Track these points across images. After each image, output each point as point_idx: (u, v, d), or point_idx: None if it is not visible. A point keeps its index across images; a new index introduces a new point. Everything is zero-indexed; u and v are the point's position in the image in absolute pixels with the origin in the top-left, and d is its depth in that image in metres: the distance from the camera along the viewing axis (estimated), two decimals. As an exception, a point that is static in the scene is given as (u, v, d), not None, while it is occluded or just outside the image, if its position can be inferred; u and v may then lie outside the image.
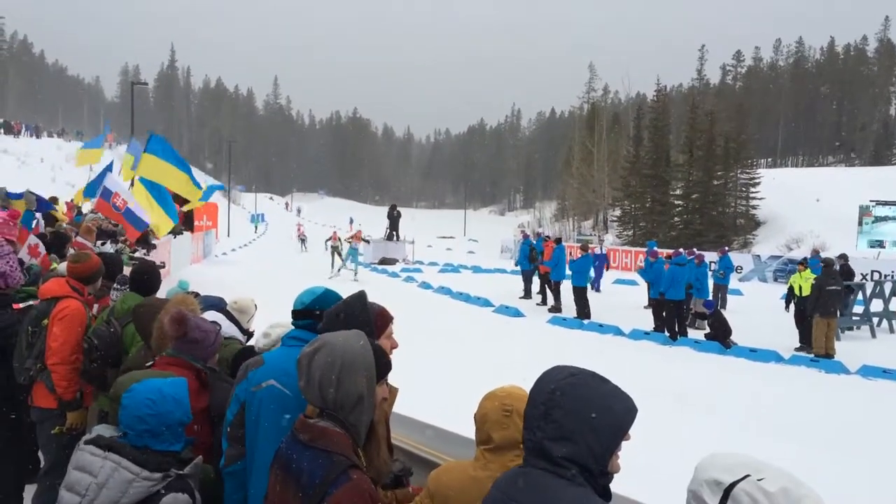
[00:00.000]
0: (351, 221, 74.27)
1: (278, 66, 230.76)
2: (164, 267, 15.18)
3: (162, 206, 13.10)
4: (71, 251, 6.36)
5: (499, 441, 2.11)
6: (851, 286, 15.25)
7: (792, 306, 14.00)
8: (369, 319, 2.49)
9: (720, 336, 13.07)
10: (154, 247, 15.57)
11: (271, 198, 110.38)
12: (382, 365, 2.04)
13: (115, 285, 4.78)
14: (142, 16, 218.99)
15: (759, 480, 1.39)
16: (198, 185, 15.64)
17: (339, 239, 27.80)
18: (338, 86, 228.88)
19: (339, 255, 25.55)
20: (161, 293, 4.52)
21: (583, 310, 16.20)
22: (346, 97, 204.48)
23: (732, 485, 1.40)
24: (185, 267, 22.35)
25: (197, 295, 4.23)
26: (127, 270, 5.11)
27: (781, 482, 1.38)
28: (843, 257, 16.76)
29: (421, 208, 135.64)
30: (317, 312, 2.63)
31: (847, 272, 16.01)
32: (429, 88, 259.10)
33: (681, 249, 17.47)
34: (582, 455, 1.49)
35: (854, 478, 6.28)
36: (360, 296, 2.55)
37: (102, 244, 9.64)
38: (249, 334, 4.06)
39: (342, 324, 2.28)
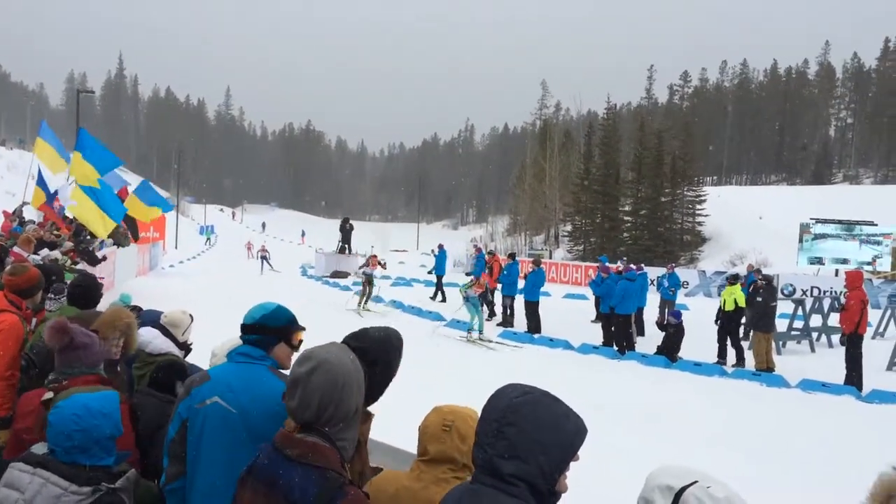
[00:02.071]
0: (303, 234, 73.68)
1: (231, 76, 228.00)
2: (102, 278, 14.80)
3: (102, 207, 12.97)
4: (9, 263, 6.17)
5: (433, 454, 2.12)
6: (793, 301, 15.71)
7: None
8: (392, 366, 2.41)
9: (668, 350, 13.32)
10: (99, 259, 15.23)
11: (221, 209, 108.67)
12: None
13: (49, 295, 4.63)
14: (89, 22, 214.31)
15: (707, 487, 1.46)
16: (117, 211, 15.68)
17: (380, 264, 22.06)
18: (291, 98, 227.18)
19: (371, 285, 20.40)
20: (103, 306, 4.42)
21: (534, 324, 16.35)
22: (299, 109, 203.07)
23: (683, 489, 1.46)
24: (130, 279, 21.85)
25: (138, 309, 4.16)
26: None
27: (727, 492, 1.46)
28: (758, 272, 16.99)
29: (374, 221, 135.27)
30: (268, 328, 2.60)
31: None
32: (383, 102, 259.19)
33: (631, 265, 17.76)
34: (531, 474, 1.52)
35: (792, 487, 6.45)
36: (401, 341, 2.47)
37: (43, 257, 9.36)
38: (187, 348, 4.00)
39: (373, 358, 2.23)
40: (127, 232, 20.97)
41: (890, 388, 10.68)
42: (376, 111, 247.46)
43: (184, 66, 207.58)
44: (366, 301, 19.62)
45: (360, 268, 20.41)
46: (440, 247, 24.88)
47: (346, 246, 33.75)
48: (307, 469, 1.82)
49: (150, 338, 3.71)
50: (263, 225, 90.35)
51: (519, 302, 17.80)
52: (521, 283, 17.79)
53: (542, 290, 17.44)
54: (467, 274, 18.37)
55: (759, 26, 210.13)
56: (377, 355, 2.27)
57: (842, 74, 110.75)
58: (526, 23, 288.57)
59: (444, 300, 22.21)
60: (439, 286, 23.14)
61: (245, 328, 2.60)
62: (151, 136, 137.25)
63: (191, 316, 4.06)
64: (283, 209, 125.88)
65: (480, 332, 15.22)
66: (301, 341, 2.59)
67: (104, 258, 15.87)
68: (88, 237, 16.06)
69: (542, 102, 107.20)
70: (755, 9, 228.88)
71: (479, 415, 1.66)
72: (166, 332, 3.84)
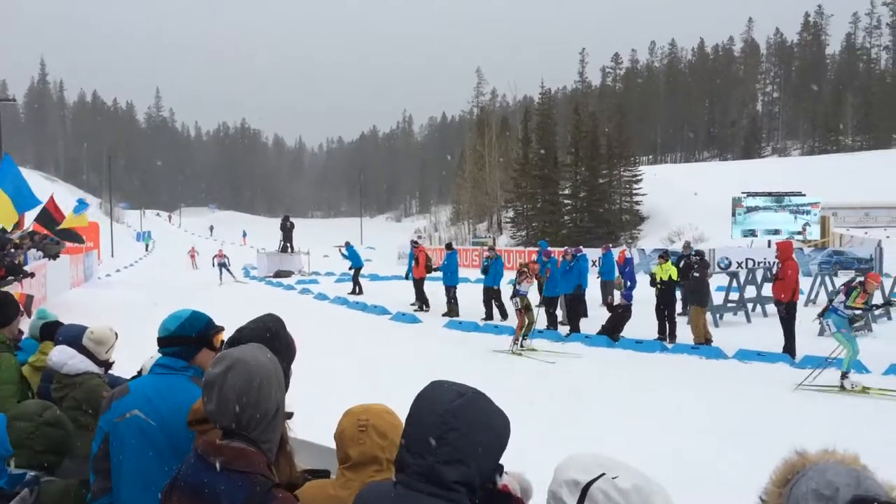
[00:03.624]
0: (244, 235, 72.50)
1: (159, 77, 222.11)
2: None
3: (13, 197, 13.43)
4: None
5: (356, 458, 2.08)
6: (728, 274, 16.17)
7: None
8: (290, 348, 2.42)
9: (612, 330, 13.57)
10: (28, 274, 14.73)
11: (158, 214, 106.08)
12: (287, 375, 2.02)
13: None
14: (6, 28, 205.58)
15: (613, 478, 1.43)
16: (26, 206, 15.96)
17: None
18: (224, 96, 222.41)
19: (529, 310, 13.53)
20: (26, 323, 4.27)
21: (500, 310, 16.67)
22: (233, 108, 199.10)
23: (589, 483, 1.44)
24: (64, 292, 21.16)
25: (57, 325, 4.03)
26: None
27: (634, 479, 1.43)
28: (687, 247, 17.38)
29: (316, 218, 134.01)
30: (187, 337, 2.55)
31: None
32: (319, 96, 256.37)
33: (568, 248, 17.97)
34: (472, 476, 1.52)
35: (733, 460, 6.65)
36: (281, 321, 2.46)
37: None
38: (108, 365, 3.89)
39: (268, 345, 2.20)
40: (57, 244, 20.31)
41: (822, 354, 11.08)
42: (312, 106, 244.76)
43: (110, 68, 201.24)
44: (524, 334, 13.12)
45: (515, 291, 13.46)
46: (347, 244, 25.35)
47: (289, 244, 33.38)
48: (233, 475, 1.77)
49: (64, 359, 3.59)
50: (211, 228, 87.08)
51: (468, 289, 17.86)
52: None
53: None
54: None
55: (685, 4, 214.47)
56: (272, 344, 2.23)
57: (766, 50, 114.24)
58: (458, 11, 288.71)
59: (360, 292, 22.97)
60: (356, 279, 23.85)
61: (162, 341, 2.55)
62: (80, 142, 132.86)
63: (116, 333, 3.96)
64: (222, 210, 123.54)
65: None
66: (223, 342, 2.53)
67: (32, 274, 15.33)
68: (13, 250, 15.50)
69: (478, 90, 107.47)
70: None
71: (409, 418, 1.61)
72: (84, 350, 3.72)
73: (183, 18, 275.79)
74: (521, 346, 12.87)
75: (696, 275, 13.52)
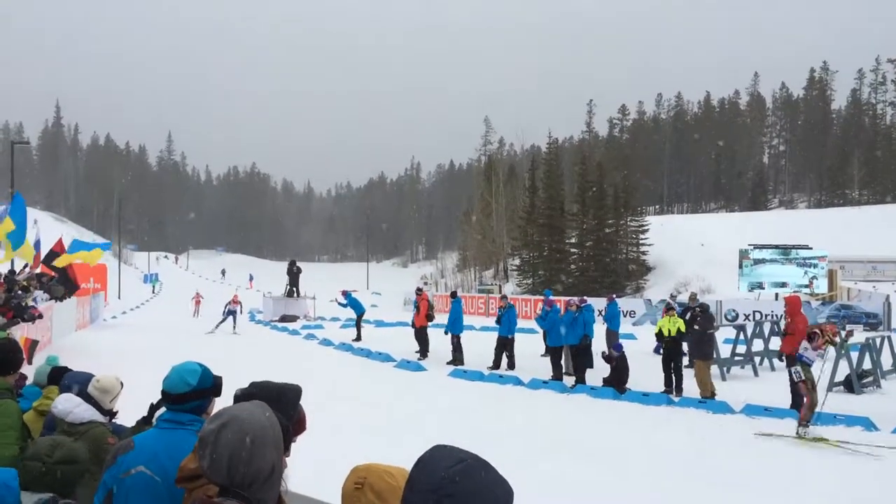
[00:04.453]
0: (251, 278, 72.63)
1: (172, 121, 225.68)
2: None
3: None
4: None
5: None
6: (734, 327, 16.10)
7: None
8: (300, 421, 2.41)
9: (616, 381, 13.47)
10: (39, 316, 14.80)
11: (165, 256, 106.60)
12: (287, 434, 2.00)
13: None
14: (23, 72, 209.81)
15: None
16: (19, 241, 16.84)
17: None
18: (235, 141, 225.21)
19: None
20: (39, 361, 4.28)
21: (501, 361, 16.55)
22: (244, 152, 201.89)
23: None
24: (69, 334, 21.21)
25: (64, 371, 4.04)
26: None
27: None
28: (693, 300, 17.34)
29: (323, 262, 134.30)
30: (206, 390, 2.55)
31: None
32: (329, 142, 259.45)
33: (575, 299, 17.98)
34: None
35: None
36: (298, 391, 2.46)
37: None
38: (113, 414, 3.90)
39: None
40: (61, 284, 20.35)
41: (830, 410, 10.96)
42: (321, 151, 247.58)
43: (124, 113, 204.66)
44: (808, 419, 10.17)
45: (798, 358, 10.42)
46: (344, 293, 25.44)
47: (294, 289, 33.44)
48: None
49: (69, 407, 3.59)
50: (223, 272, 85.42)
51: (473, 337, 17.79)
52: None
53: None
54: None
55: (691, 59, 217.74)
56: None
57: (772, 104, 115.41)
58: (467, 59, 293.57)
59: (359, 339, 22.89)
60: (358, 325, 23.99)
61: (180, 398, 2.54)
62: (91, 184, 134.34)
63: (121, 383, 3.97)
64: (230, 253, 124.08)
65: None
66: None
67: (40, 315, 15.39)
68: (20, 292, 15.59)
69: (485, 139, 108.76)
70: (686, 42, 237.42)
71: (408, 482, 1.58)
72: (89, 399, 3.72)
73: (199, 64, 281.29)
74: (805, 431, 9.83)
75: (697, 328, 13.48)
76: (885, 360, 15.50)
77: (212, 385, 2.59)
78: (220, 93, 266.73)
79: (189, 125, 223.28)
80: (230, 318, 26.02)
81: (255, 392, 2.33)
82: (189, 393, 2.54)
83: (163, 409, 2.95)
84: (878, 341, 15.25)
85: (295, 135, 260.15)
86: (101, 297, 32.74)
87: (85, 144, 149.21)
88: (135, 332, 24.44)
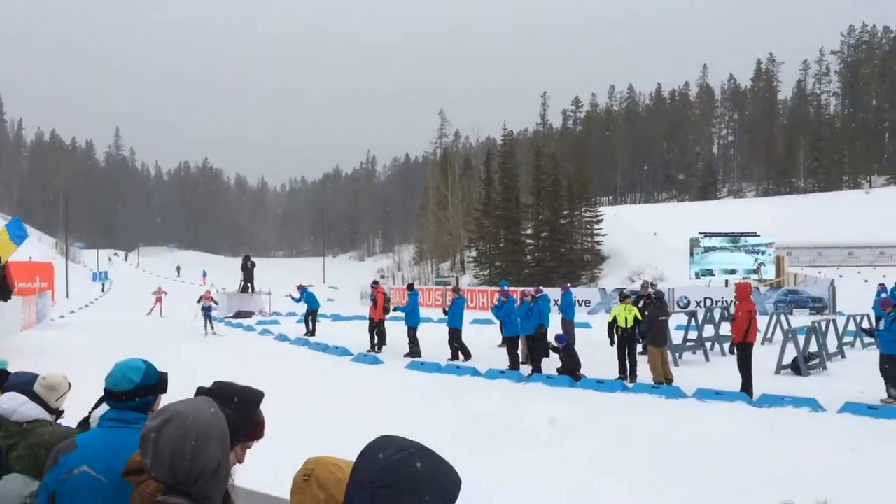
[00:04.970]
0: (204, 275, 71.46)
1: (120, 116, 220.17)
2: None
3: None
4: None
5: None
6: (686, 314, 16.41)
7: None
8: (252, 421, 2.30)
9: (570, 370, 13.63)
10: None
11: (115, 253, 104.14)
12: (236, 430, 1.95)
13: None
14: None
15: None
16: None
17: None
18: (186, 135, 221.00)
19: None
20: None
21: (462, 351, 16.58)
22: (194, 147, 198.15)
23: None
24: (14, 334, 20.60)
25: (7, 373, 3.93)
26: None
27: None
28: (644, 288, 17.67)
29: (279, 257, 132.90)
30: (150, 387, 2.49)
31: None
32: (282, 137, 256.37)
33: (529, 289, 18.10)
34: None
35: (687, 494, 6.68)
36: (259, 395, 2.37)
37: None
38: (59, 413, 3.79)
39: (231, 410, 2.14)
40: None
41: (778, 392, 11.28)
42: (275, 146, 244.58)
43: (69, 108, 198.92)
44: None
45: None
46: (300, 288, 24.92)
47: (249, 284, 33.03)
48: None
49: (14, 405, 3.48)
50: (178, 269, 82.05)
51: (429, 329, 17.83)
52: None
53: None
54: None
55: (643, 51, 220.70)
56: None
57: (720, 95, 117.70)
58: (421, 53, 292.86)
59: (313, 333, 22.81)
60: (313, 319, 23.60)
61: (123, 395, 2.45)
62: (35, 180, 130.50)
63: (69, 382, 3.87)
64: (182, 250, 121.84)
65: None
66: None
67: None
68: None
69: (441, 131, 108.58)
70: (636, 34, 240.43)
71: (352, 473, 1.57)
72: (34, 397, 3.61)
73: (146, 56, 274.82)
74: None
75: (647, 314, 13.71)
76: (831, 343, 15.98)
77: (157, 382, 2.52)
78: (169, 87, 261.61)
79: (137, 120, 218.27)
80: (207, 317, 24.01)
81: (215, 391, 2.28)
82: (133, 390, 2.46)
83: (103, 408, 2.88)
84: (823, 325, 15.71)
85: (247, 130, 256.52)
86: (48, 296, 31.81)
87: (29, 140, 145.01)
88: (83, 332, 23.82)
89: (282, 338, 22.04)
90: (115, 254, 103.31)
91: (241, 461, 2.18)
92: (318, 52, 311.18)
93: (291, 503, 1.97)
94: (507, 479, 7.18)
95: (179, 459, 1.80)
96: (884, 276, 33.63)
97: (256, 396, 2.37)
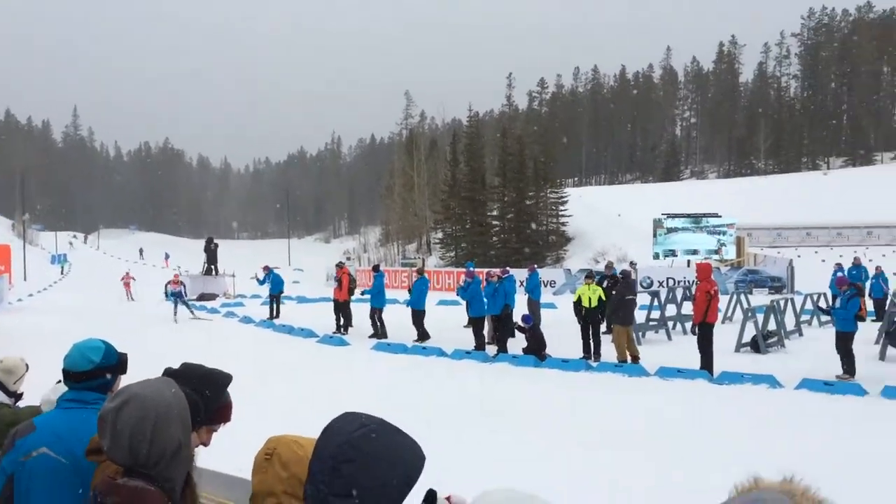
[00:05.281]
0: (167, 257, 70.44)
1: (78, 95, 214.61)
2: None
3: None
4: None
5: (256, 488, 1.97)
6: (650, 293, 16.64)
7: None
8: (219, 404, 2.27)
9: (536, 350, 13.77)
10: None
11: (75, 236, 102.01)
12: (197, 411, 1.91)
13: None
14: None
15: None
16: None
17: None
18: (146, 116, 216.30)
19: None
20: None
21: (423, 333, 16.57)
22: (155, 128, 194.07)
23: None
24: (-30, 318, 20.14)
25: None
26: None
27: None
28: (608, 268, 17.90)
29: (243, 239, 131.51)
30: (110, 367, 2.45)
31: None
32: (246, 117, 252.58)
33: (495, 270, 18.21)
34: None
35: (647, 470, 6.81)
36: (227, 378, 2.33)
37: None
38: (18, 396, 3.73)
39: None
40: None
41: (738, 370, 11.53)
42: (238, 126, 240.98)
43: (24, 87, 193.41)
44: None
45: None
46: (266, 269, 24.37)
47: (213, 266, 32.66)
48: None
49: None
50: (141, 251, 79.19)
51: (395, 311, 17.83)
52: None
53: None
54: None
55: (608, 33, 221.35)
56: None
57: (683, 77, 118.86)
58: (385, 33, 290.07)
59: (277, 315, 22.61)
60: (277, 302, 23.32)
61: (82, 375, 2.41)
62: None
63: (27, 364, 3.80)
64: (143, 232, 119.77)
65: None
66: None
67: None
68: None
69: (406, 112, 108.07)
70: (601, 17, 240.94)
71: (314, 449, 1.55)
72: (-7, 379, 3.56)
73: (102, 35, 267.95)
74: None
75: (615, 293, 13.90)
76: (789, 321, 16.35)
77: (117, 362, 2.48)
78: (127, 67, 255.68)
79: (95, 100, 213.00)
80: (178, 302, 22.67)
81: (182, 373, 2.25)
82: (92, 370, 2.42)
83: (58, 390, 2.83)
84: (781, 303, 16.05)
85: (210, 110, 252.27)
86: (4, 279, 31.07)
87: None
88: (42, 315, 23.34)
89: (246, 320, 21.86)
90: (75, 236, 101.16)
91: (206, 444, 2.16)
92: (279, 30, 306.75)
93: (253, 483, 1.97)
94: (472, 456, 7.24)
95: (138, 441, 1.77)
96: (840, 256, 34.44)
97: (224, 379, 2.34)
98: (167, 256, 70.75)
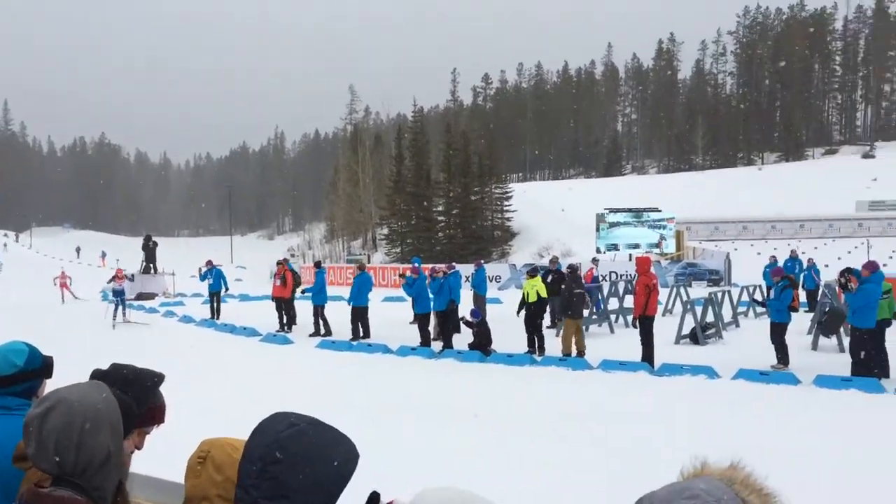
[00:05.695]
0: (103, 255, 68.43)
1: (8, 88, 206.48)
2: None
3: None
4: None
5: (188, 492, 1.90)
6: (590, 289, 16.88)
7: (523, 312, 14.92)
8: (151, 405, 2.18)
9: (481, 345, 13.82)
10: None
11: (6, 234, 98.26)
12: (130, 414, 1.83)
13: None
14: None
15: None
16: None
17: None
18: (81, 111, 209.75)
19: None
20: None
21: (366, 331, 16.46)
22: (91, 123, 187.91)
23: None
24: None
25: None
26: None
27: None
28: (553, 263, 18.12)
29: (183, 237, 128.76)
30: (32, 371, 2.35)
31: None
32: (185, 111, 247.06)
33: (444, 265, 18.22)
34: None
35: (589, 460, 6.90)
36: (159, 378, 2.25)
37: None
38: None
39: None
40: None
41: (678, 361, 11.79)
42: (178, 121, 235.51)
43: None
44: None
45: None
46: (209, 263, 23.01)
47: (151, 265, 31.88)
48: None
49: None
50: (78, 250, 76.07)
51: (337, 308, 17.66)
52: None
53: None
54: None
55: (550, 29, 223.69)
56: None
57: (624, 74, 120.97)
58: (329, 27, 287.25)
59: (218, 315, 21.54)
60: (217, 300, 21.85)
61: (4, 380, 2.31)
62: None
63: None
64: (78, 230, 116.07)
65: None
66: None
67: None
68: None
69: (351, 107, 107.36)
70: (544, 14, 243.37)
71: (244, 451, 1.51)
72: None
73: (34, 25, 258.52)
74: None
75: (563, 287, 14.05)
76: (726, 313, 16.80)
77: (41, 365, 2.39)
78: (63, 57, 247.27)
79: (26, 95, 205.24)
80: (118, 303, 20.85)
81: (110, 373, 2.16)
82: (16, 374, 2.33)
83: None
84: (719, 295, 16.49)
85: (148, 104, 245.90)
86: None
87: None
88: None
89: (186, 319, 21.40)
90: (5, 234, 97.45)
91: (139, 447, 2.08)
92: (223, 27, 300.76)
93: (186, 487, 1.90)
94: (418, 453, 7.22)
95: (65, 449, 1.69)
96: (775, 248, 35.57)
97: (156, 378, 2.27)
98: (104, 255, 68.73)
